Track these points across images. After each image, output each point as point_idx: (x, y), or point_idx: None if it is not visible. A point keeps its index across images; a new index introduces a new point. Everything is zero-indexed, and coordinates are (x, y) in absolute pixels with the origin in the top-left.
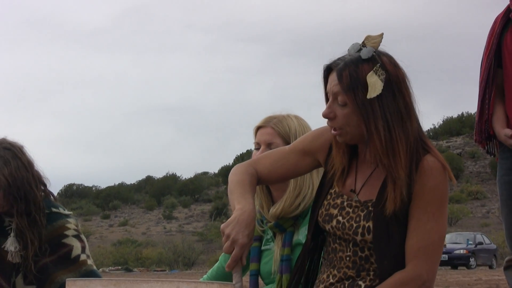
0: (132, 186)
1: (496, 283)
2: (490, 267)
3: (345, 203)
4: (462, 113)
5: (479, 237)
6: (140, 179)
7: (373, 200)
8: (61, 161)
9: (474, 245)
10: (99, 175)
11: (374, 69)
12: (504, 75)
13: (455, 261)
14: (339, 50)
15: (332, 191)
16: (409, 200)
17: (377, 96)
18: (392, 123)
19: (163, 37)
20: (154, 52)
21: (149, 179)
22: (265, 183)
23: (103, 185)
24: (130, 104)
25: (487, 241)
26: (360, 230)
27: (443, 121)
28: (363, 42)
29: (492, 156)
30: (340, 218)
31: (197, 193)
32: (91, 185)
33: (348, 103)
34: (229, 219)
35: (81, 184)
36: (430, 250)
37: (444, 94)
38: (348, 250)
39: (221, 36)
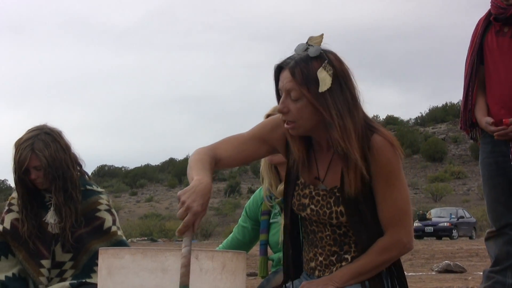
0: (156, 167)
1: (475, 251)
2: (470, 237)
3: (313, 193)
4: (446, 103)
5: (461, 212)
6: (164, 160)
7: (338, 186)
8: (95, 145)
9: (456, 219)
10: (128, 157)
11: (323, 65)
12: (485, 71)
13: (439, 233)
14: (340, 47)
15: (299, 181)
16: (370, 178)
17: (328, 89)
18: (342, 112)
19: (185, 36)
20: (177, 49)
21: (171, 160)
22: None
23: (131, 166)
24: (156, 95)
25: (467, 215)
26: (334, 215)
27: (429, 110)
28: (307, 42)
29: (475, 141)
30: (312, 206)
31: (214, 172)
32: (120, 166)
33: (302, 97)
34: (186, 187)
35: (112, 165)
36: (401, 216)
37: (430, 86)
38: (326, 230)
39: (237, 35)
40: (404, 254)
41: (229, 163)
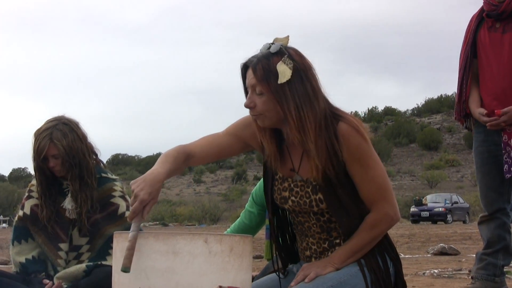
0: None
1: (469, 235)
2: (464, 222)
3: (292, 185)
4: (441, 95)
5: (455, 197)
6: None
7: (313, 175)
8: (110, 135)
9: (450, 204)
10: (140, 146)
11: (282, 59)
12: (478, 65)
13: (435, 217)
14: (341, 42)
15: (277, 176)
16: (344, 164)
17: (287, 82)
18: (301, 104)
19: (194, 32)
20: (187, 45)
21: None
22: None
23: (143, 154)
24: (167, 87)
25: (461, 200)
26: (314, 203)
27: (425, 101)
28: (272, 42)
29: (469, 131)
30: (293, 198)
31: (221, 161)
32: (133, 155)
33: (265, 92)
34: (138, 177)
35: (126, 154)
36: (382, 191)
37: (426, 79)
38: (311, 219)
39: (243, 31)
40: (392, 225)
41: (202, 158)
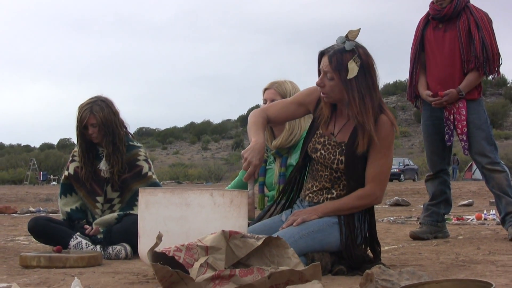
0: (181, 128)
1: (417, 190)
2: (413, 180)
3: (326, 142)
4: (396, 80)
5: (407, 161)
6: (187, 123)
7: (345, 142)
8: (136, 111)
9: (403, 166)
10: (160, 120)
11: (353, 58)
12: (425, 57)
13: (391, 177)
14: (324, 39)
15: (318, 132)
16: (369, 144)
17: (354, 76)
18: (364, 94)
19: (205, 31)
20: (199, 41)
21: (192, 123)
22: (273, 124)
23: (162, 127)
24: (182, 75)
25: (411, 163)
26: (336, 161)
27: (383, 85)
28: (346, 35)
29: (418, 109)
30: (322, 151)
31: (224, 132)
32: (154, 128)
33: (335, 79)
34: (248, 147)
35: (148, 127)
36: (381, 176)
37: (385, 68)
38: (326, 171)
39: (243, 29)
40: (374, 204)
41: (275, 121)
